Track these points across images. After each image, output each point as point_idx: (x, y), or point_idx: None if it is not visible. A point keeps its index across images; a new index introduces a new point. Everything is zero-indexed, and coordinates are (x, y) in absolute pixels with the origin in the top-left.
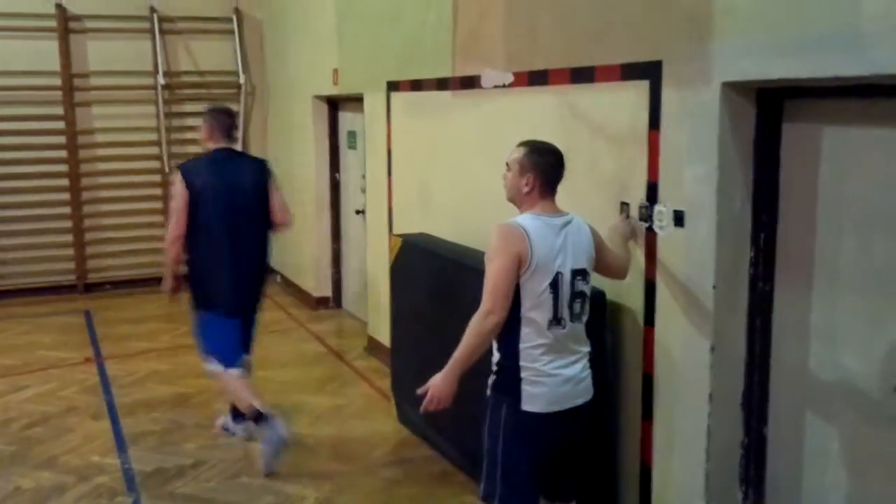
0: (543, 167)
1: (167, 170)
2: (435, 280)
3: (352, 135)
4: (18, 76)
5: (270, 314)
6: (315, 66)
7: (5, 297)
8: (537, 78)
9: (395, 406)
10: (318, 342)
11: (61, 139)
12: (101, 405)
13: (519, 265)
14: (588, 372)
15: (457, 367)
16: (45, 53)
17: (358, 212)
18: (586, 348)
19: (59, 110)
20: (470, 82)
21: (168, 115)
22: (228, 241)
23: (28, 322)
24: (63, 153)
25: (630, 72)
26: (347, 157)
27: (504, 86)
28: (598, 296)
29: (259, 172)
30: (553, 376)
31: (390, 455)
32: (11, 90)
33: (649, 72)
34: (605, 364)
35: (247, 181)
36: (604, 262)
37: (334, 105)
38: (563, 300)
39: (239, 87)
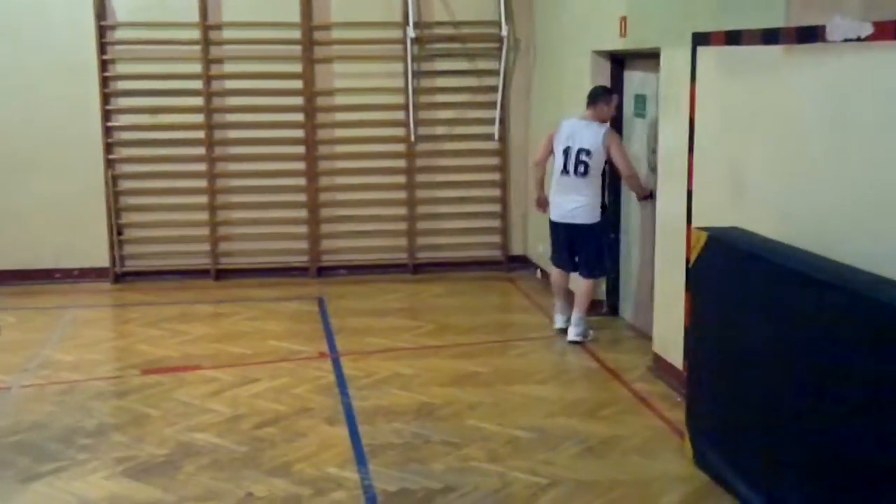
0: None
1: (413, 138)
2: (757, 292)
3: (640, 99)
4: (256, 28)
5: (530, 318)
6: (597, 14)
7: (233, 276)
8: None
9: (691, 445)
10: (587, 355)
11: (298, 100)
12: (336, 408)
13: (550, 141)
14: (578, 208)
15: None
16: (283, 3)
17: (644, 196)
18: (583, 194)
19: (298, 67)
20: (810, 34)
21: (417, 74)
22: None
23: (257, 307)
24: (300, 116)
25: None
26: (633, 126)
27: (859, 39)
28: None
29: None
30: (556, 201)
31: None
32: (247, 44)
33: None
34: None
35: None
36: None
37: (619, 62)
38: (570, 162)
39: (500, 40)
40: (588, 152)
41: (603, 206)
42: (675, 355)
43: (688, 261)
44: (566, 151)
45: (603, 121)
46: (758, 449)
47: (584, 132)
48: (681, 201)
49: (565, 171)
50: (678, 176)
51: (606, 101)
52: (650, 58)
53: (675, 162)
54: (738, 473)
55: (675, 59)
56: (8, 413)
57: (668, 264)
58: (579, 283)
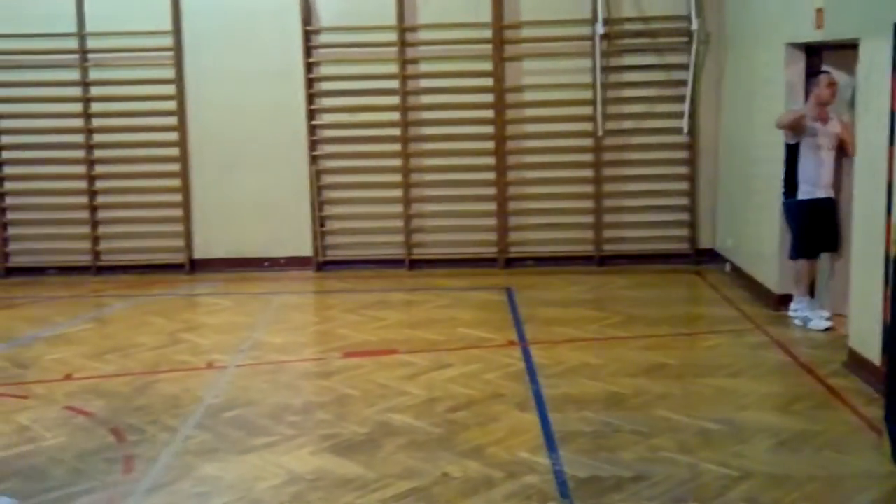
0: None
1: (600, 133)
2: None
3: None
4: (449, 29)
5: (719, 311)
6: (791, 6)
7: (425, 266)
8: None
9: (890, 442)
10: (779, 349)
11: (489, 97)
12: (527, 395)
13: None
14: None
15: None
16: (475, 4)
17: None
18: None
19: (488, 66)
20: None
21: (605, 70)
22: None
23: (448, 295)
24: (490, 113)
25: None
26: None
27: None
28: None
29: None
30: None
31: (882, 503)
32: (440, 45)
33: None
34: None
35: None
36: None
37: (814, 55)
38: None
39: (690, 34)
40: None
41: (794, 189)
42: (873, 350)
43: (887, 255)
44: None
45: (822, 103)
46: None
47: None
48: (880, 194)
49: None
50: (877, 169)
51: (815, 84)
52: (847, 49)
53: (874, 154)
54: None
55: (874, 51)
56: (225, 390)
57: (865, 258)
58: None
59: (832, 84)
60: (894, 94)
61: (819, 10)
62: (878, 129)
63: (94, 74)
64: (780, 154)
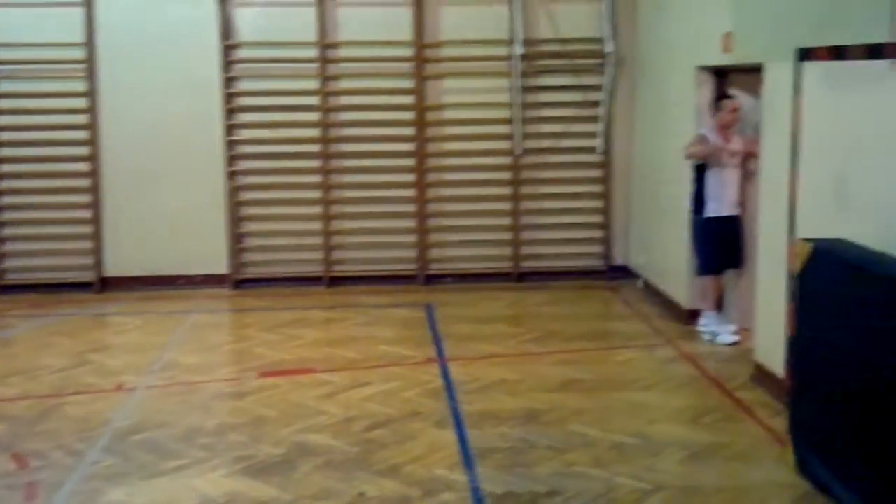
0: None
1: (518, 151)
2: (864, 303)
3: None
4: (371, 47)
5: (632, 326)
6: (701, 30)
7: (345, 283)
8: None
9: (793, 453)
10: (689, 364)
11: (409, 115)
12: (445, 412)
13: None
14: None
15: None
16: (397, 23)
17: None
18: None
19: (410, 84)
20: None
21: (523, 90)
22: None
23: (368, 313)
24: (410, 130)
25: None
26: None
27: None
28: None
29: None
30: None
31: None
32: (362, 62)
33: None
34: None
35: None
36: None
37: (722, 77)
38: None
39: (605, 56)
40: None
41: (701, 206)
42: (776, 365)
43: (791, 271)
44: None
45: (725, 127)
46: (863, 459)
47: None
48: (782, 213)
49: None
50: (779, 188)
51: (718, 108)
52: (752, 73)
53: (777, 174)
54: (842, 482)
55: (778, 74)
56: (134, 412)
57: (768, 276)
58: None
59: (735, 109)
60: (796, 117)
61: (727, 35)
62: (781, 150)
63: (1, 87)
64: (688, 173)
